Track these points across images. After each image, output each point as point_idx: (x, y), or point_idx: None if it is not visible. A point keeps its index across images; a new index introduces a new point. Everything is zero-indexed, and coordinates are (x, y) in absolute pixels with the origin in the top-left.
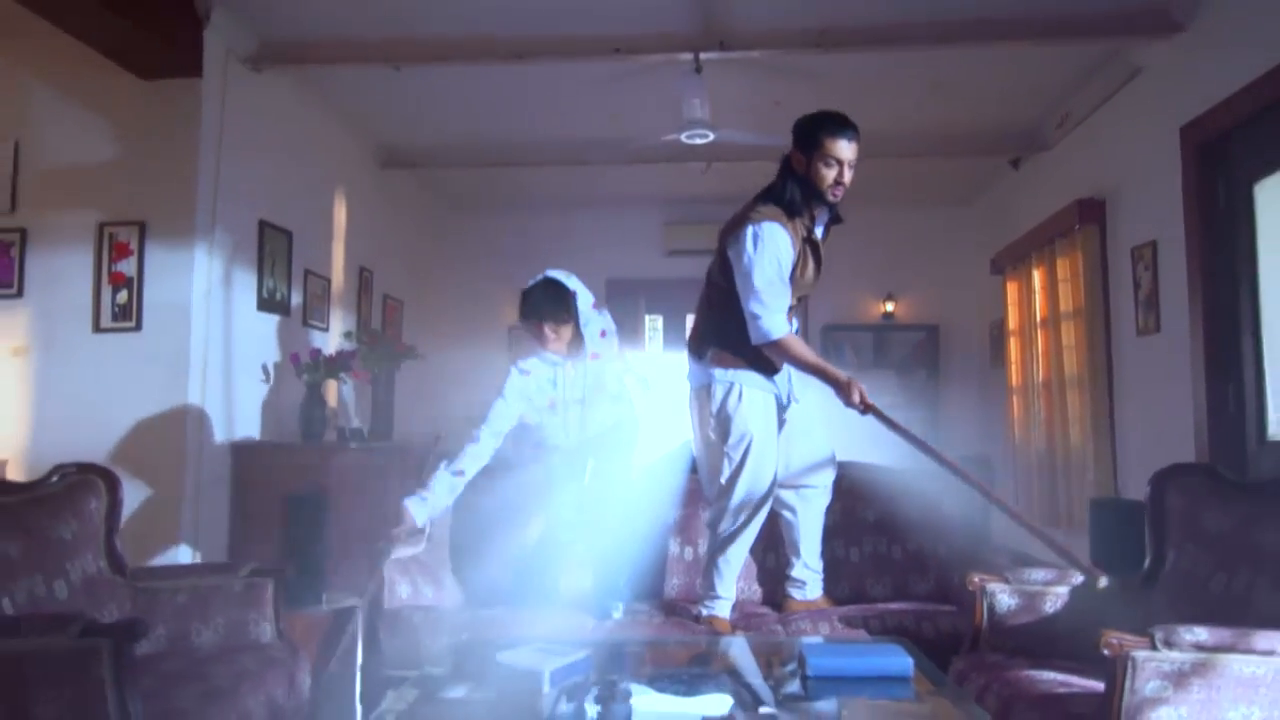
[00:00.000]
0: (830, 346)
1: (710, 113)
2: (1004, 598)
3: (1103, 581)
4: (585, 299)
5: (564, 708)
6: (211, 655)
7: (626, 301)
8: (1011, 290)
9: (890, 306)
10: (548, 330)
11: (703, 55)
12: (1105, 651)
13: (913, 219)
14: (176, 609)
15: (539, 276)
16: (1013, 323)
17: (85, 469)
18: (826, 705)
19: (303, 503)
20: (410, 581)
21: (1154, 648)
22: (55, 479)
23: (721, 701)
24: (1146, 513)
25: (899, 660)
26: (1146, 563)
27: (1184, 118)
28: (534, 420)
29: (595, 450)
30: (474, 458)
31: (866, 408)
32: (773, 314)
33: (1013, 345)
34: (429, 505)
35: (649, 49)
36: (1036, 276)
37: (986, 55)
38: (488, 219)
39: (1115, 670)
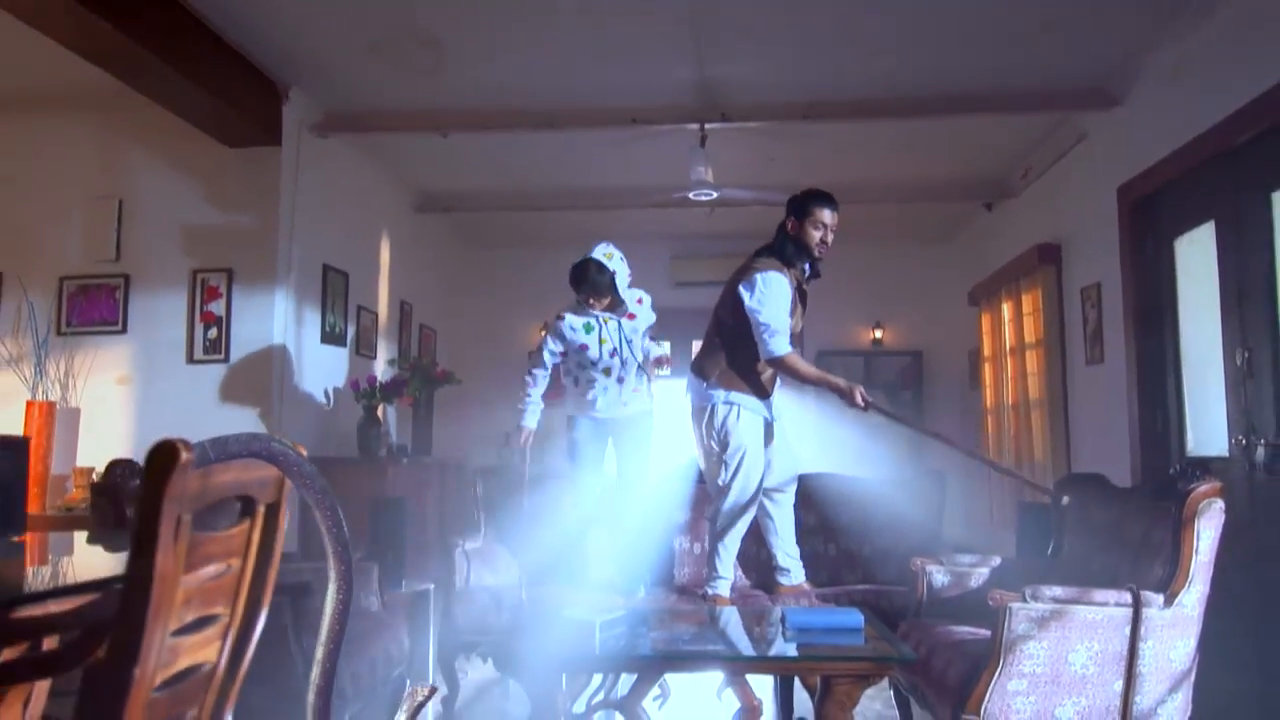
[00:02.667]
0: (823, 369)
1: (713, 174)
2: (939, 576)
3: (1064, 500)
4: (623, 277)
5: (610, 643)
6: None
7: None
8: (985, 321)
9: (879, 333)
10: (590, 299)
11: (707, 125)
12: (990, 603)
13: (899, 254)
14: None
15: (586, 254)
16: (987, 350)
17: None
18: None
19: (385, 505)
20: (476, 568)
21: (1024, 600)
22: None
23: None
24: (1051, 511)
25: (852, 617)
26: (1050, 548)
27: (1120, 179)
28: (579, 374)
29: (617, 437)
30: (539, 383)
31: (868, 405)
32: (779, 338)
33: (987, 370)
34: (532, 418)
35: (662, 120)
36: (1006, 309)
37: (955, 120)
38: (510, 254)
39: (998, 617)
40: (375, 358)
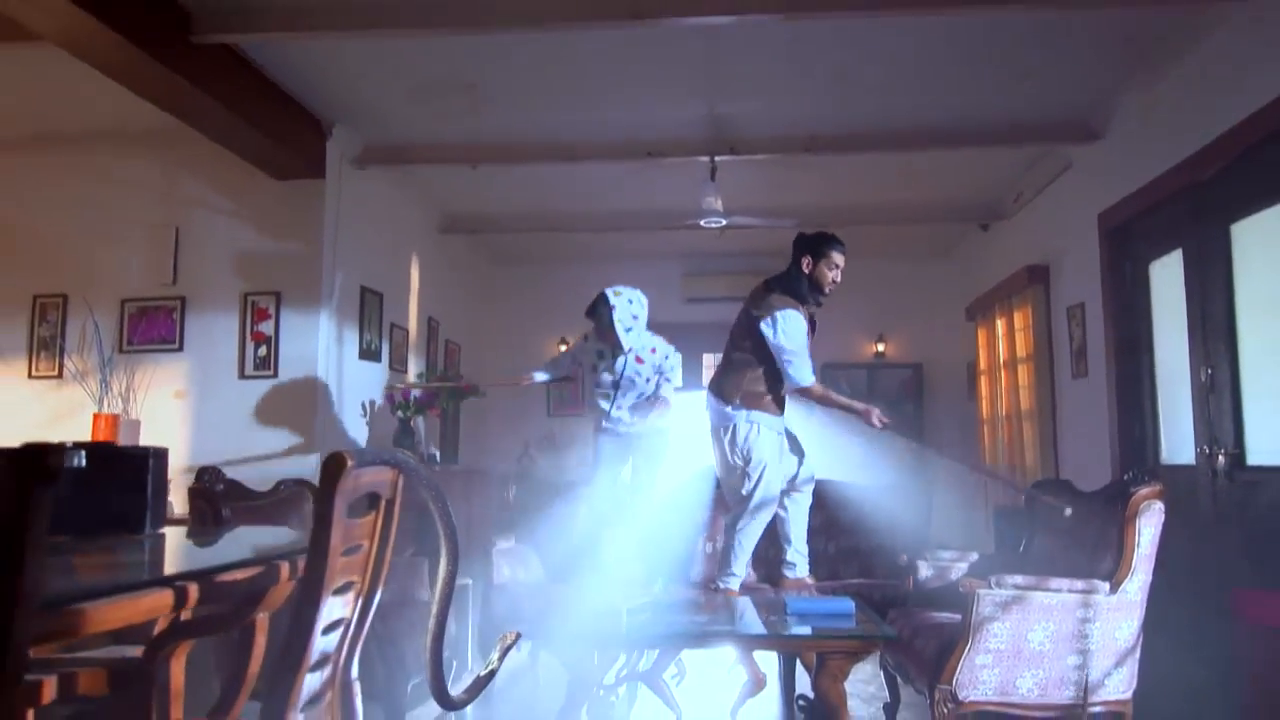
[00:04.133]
0: (828, 381)
1: (723, 201)
2: (924, 570)
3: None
4: (626, 317)
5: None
6: (392, 607)
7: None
8: (981, 335)
9: (881, 347)
10: (596, 331)
11: (717, 157)
12: (961, 590)
13: (900, 271)
14: None
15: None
16: (983, 363)
17: (300, 483)
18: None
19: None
20: (509, 565)
21: (990, 587)
22: (283, 488)
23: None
24: (1023, 512)
25: (845, 604)
26: (1022, 546)
27: (1100, 206)
28: (595, 391)
29: (636, 451)
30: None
31: (884, 425)
32: (802, 369)
33: (983, 383)
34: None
35: (675, 153)
36: (1000, 325)
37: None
38: (528, 272)
39: (967, 602)
40: (406, 371)
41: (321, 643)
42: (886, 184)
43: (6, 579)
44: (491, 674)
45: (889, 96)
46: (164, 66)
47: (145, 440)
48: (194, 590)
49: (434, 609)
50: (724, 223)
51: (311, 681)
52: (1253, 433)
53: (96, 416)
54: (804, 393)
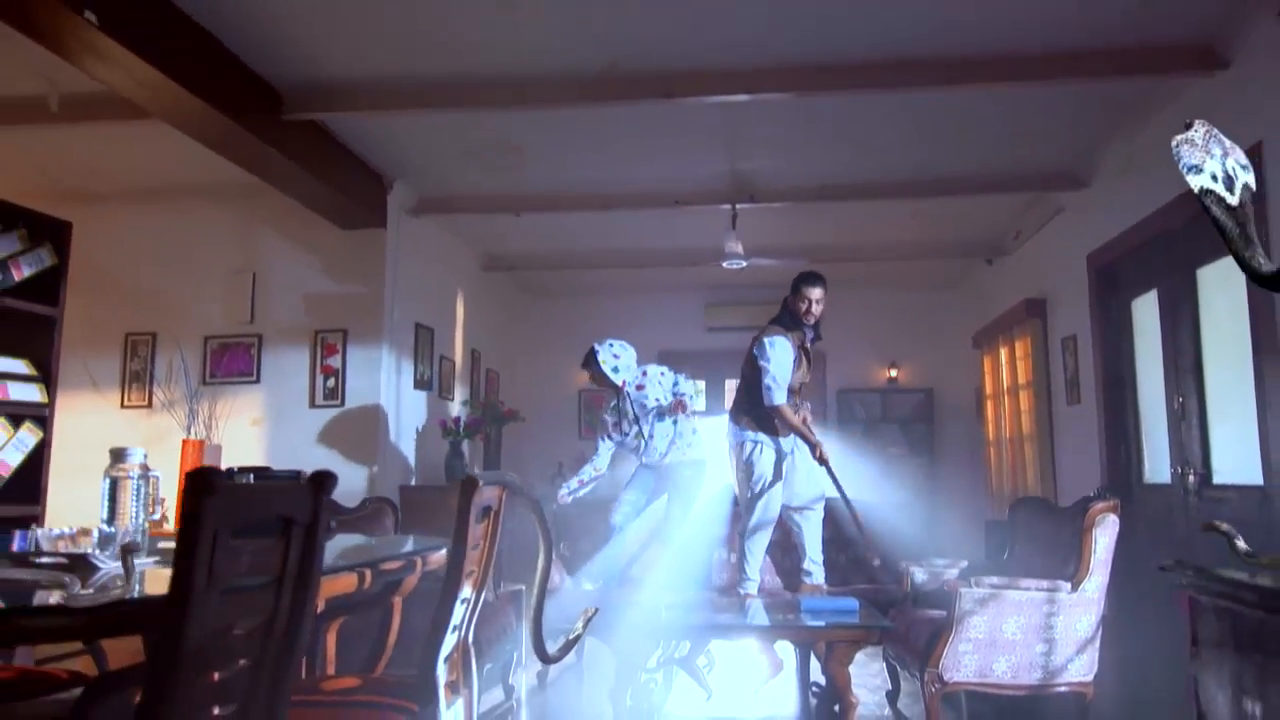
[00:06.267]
0: (844, 406)
1: (743, 244)
2: (920, 575)
3: (876, 562)
4: (609, 363)
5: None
6: None
7: (674, 369)
8: (987, 363)
9: (894, 372)
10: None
11: (738, 205)
12: (945, 589)
13: (912, 301)
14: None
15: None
16: (988, 389)
17: (380, 500)
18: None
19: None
20: (558, 573)
21: (970, 586)
22: (369, 504)
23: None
24: (1007, 524)
25: (850, 603)
26: (1005, 553)
27: (1089, 247)
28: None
29: (672, 483)
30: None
31: (822, 461)
32: (778, 390)
33: (989, 407)
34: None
35: (699, 201)
36: (1003, 354)
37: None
38: (560, 304)
39: (951, 599)
40: (453, 399)
41: (455, 614)
42: (896, 223)
43: (311, 560)
44: (578, 637)
45: (894, 153)
46: (257, 138)
47: (225, 463)
48: (369, 574)
49: (535, 589)
50: (744, 264)
51: (449, 640)
52: (1218, 455)
53: (185, 442)
54: (774, 411)
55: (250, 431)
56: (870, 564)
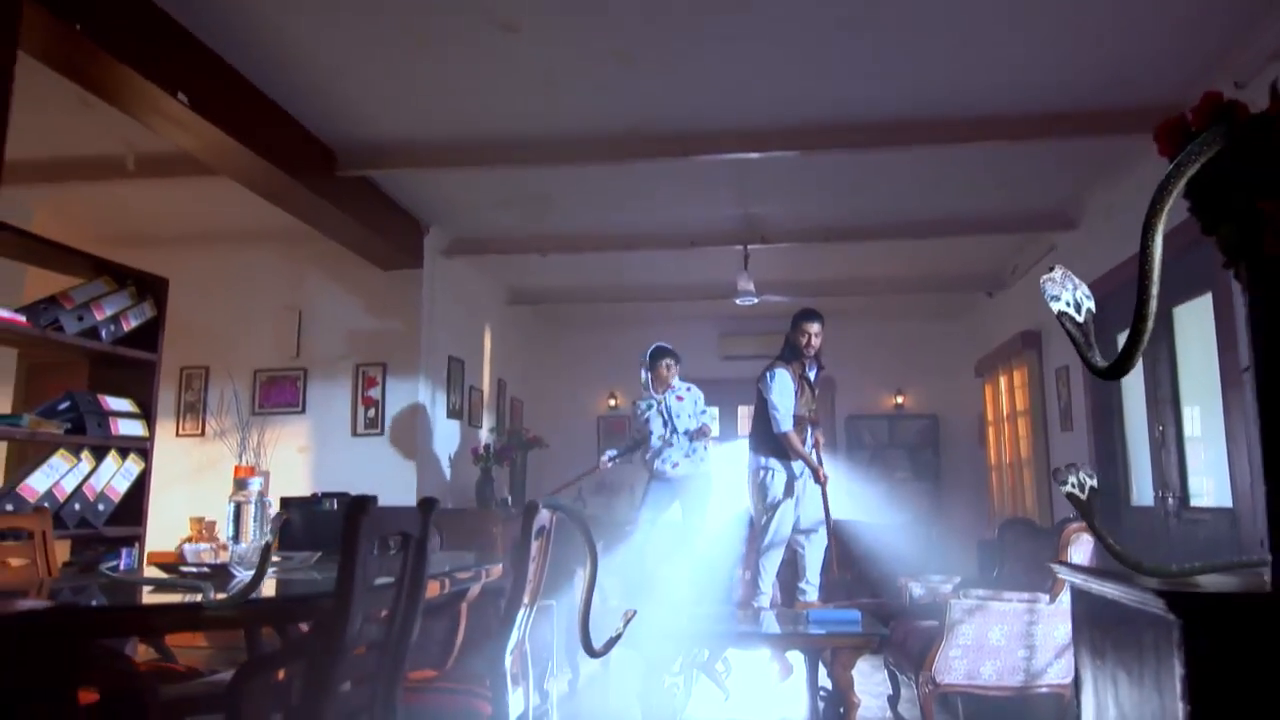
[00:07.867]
0: (853, 432)
1: (754, 281)
2: (917, 589)
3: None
4: (673, 361)
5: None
6: None
7: None
8: (988, 391)
9: (900, 399)
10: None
11: (750, 246)
12: (937, 600)
13: (918, 330)
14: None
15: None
16: (990, 416)
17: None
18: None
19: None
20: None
21: (959, 598)
22: None
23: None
24: (997, 543)
25: (852, 614)
26: (995, 571)
27: None
28: (657, 446)
29: (684, 494)
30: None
31: (821, 484)
32: (784, 417)
33: (991, 433)
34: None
35: (714, 242)
36: (1003, 382)
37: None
38: (581, 335)
39: (943, 609)
40: (481, 427)
41: (517, 616)
42: (899, 260)
43: (422, 567)
44: (619, 636)
45: (895, 199)
46: (312, 192)
47: (273, 489)
48: (447, 582)
49: (583, 595)
50: (756, 300)
51: (514, 637)
52: (1194, 480)
53: (237, 469)
54: (782, 437)
55: (297, 459)
56: (835, 575)
